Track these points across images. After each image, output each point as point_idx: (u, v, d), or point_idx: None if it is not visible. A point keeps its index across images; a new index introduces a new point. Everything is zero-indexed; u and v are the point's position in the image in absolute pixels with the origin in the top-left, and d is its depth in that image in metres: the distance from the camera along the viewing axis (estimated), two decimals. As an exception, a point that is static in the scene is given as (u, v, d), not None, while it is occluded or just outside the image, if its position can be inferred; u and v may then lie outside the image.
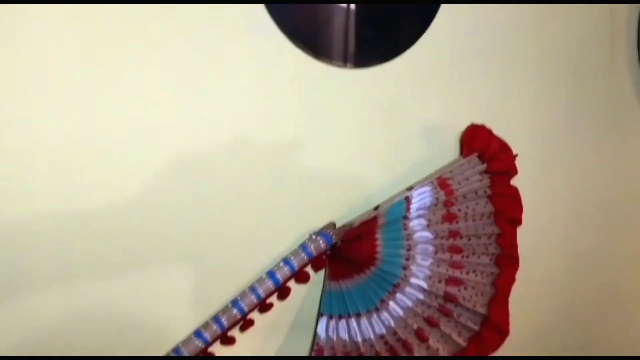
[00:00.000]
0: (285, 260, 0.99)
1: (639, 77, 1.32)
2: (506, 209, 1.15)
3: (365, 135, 1.05)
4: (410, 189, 1.05)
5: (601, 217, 1.35)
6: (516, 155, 1.09)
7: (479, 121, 1.10)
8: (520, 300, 1.29)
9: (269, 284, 0.98)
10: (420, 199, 1.07)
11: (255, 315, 0.99)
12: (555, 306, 1.36)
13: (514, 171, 1.11)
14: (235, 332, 0.98)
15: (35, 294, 0.77)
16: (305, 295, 1.05)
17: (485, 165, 1.07)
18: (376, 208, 1.04)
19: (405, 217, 1.07)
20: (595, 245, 1.37)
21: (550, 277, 1.33)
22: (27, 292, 0.76)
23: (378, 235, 1.05)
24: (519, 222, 1.17)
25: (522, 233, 1.13)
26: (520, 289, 1.18)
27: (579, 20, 1.23)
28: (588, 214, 1.33)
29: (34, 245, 0.75)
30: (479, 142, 1.06)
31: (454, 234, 1.11)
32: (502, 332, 1.10)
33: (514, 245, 1.17)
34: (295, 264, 0.99)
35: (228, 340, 0.98)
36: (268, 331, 1.03)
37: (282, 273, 0.99)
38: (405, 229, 1.08)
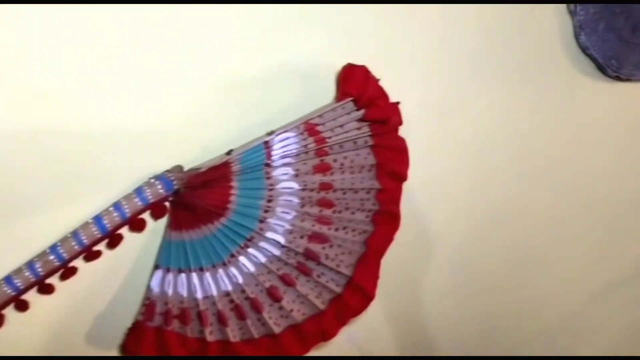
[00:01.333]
0: (116, 205, 0.89)
1: (564, 18, 1.20)
2: (389, 162, 1.06)
3: (228, 65, 0.92)
4: (270, 133, 0.95)
5: (514, 171, 1.27)
6: (398, 103, 0.98)
7: (367, 59, 0.98)
8: (412, 261, 1.23)
9: (94, 230, 0.88)
10: (284, 145, 0.97)
11: (80, 263, 0.89)
12: (453, 268, 1.30)
13: (395, 121, 1.00)
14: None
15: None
16: (144, 245, 0.96)
17: (362, 111, 0.96)
18: (229, 153, 0.93)
19: (268, 165, 0.96)
20: (505, 201, 1.30)
21: (448, 234, 1.27)
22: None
23: (234, 184, 0.95)
24: (404, 177, 1.08)
25: (414, 186, 1.04)
26: (410, 248, 1.11)
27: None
28: (498, 167, 1.25)
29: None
30: (354, 85, 0.95)
31: (326, 186, 1.01)
32: (366, 295, 1.04)
33: (395, 202, 1.09)
34: (128, 209, 0.89)
35: (45, 289, 0.89)
36: (97, 281, 0.94)
37: (111, 219, 0.88)
38: (267, 178, 0.98)
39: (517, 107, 1.24)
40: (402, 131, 1.04)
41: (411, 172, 1.04)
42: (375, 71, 0.98)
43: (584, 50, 1.26)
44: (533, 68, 1.22)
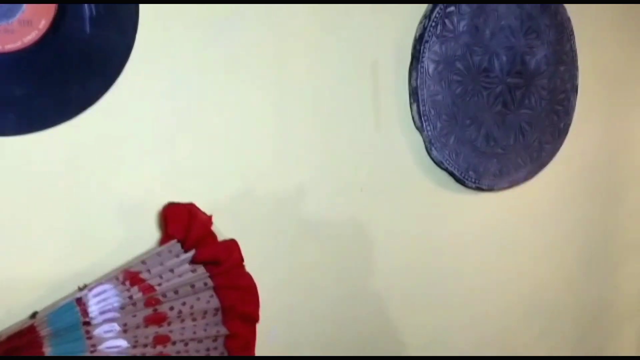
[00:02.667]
0: None
1: (413, 136, 1.20)
2: (237, 303, 0.98)
3: (29, 215, 0.83)
4: (82, 288, 0.84)
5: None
6: (233, 240, 0.91)
7: (196, 195, 0.91)
8: None
9: None
10: (102, 299, 0.86)
11: None
12: None
13: (235, 258, 0.93)
14: None
15: None
16: None
17: (191, 253, 0.88)
18: (33, 315, 0.82)
19: (87, 323, 0.85)
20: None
21: None
22: None
23: (47, 349, 0.83)
24: (256, 319, 0.99)
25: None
26: None
27: (334, 79, 1.10)
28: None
29: None
30: (178, 225, 0.88)
31: (162, 340, 0.91)
32: None
33: (248, 348, 1.00)
34: None
35: None
36: None
37: None
38: (89, 338, 0.86)
39: (375, 225, 1.21)
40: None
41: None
42: (205, 207, 0.93)
43: (439, 164, 1.26)
44: (387, 186, 1.20)
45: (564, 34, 1.40)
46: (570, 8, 1.36)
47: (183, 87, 0.94)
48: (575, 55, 1.43)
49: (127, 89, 0.88)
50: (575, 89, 1.44)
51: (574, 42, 1.42)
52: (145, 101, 0.90)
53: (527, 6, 1.32)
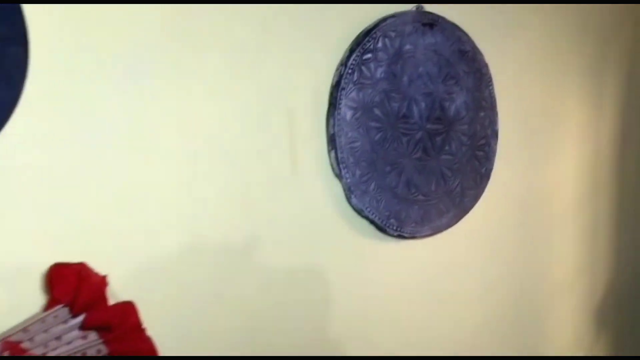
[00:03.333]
0: None
1: (332, 184, 1.18)
2: (136, 369, 0.90)
3: None
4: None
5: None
6: (130, 302, 0.84)
7: (79, 256, 0.84)
8: None
9: None
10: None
11: None
12: None
13: (132, 322, 0.86)
14: None
15: None
16: None
17: (80, 318, 0.81)
18: None
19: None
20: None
21: None
22: None
23: None
24: (158, 384, 0.92)
25: None
26: None
27: (249, 127, 1.06)
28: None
29: None
30: (65, 289, 0.81)
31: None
32: None
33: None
34: None
35: None
36: None
37: None
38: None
39: (293, 277, 1.17)
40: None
41: None
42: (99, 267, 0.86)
43: (359, 212, 1.23)
44: (305, 236, 1.17)
45: (482, 80, 1.42)
46: (488, 54, 1.39)
47: (76, 140, 0.88)
48: (494, 101, 1.45)
49: (11, 143, 0.81)
50: (495, 134, 1.46)
51: (492, 88, 1.44)
52: (31, 154, 0.84)
53: (446, 53, 1.33)
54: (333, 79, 1.19)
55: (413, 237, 1.32)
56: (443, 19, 1.32)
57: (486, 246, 1.50)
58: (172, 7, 0.97)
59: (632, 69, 1.83)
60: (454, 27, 1.35)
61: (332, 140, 1.19)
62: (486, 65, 1.42)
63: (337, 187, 1.20)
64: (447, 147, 1.37)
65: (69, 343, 0.83)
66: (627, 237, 1.89)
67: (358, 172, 1.22)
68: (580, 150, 1.71)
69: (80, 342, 0.84)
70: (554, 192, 1.67)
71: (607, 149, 1.79)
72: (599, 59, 1.72)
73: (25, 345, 0.81)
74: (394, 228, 1.28)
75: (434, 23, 1.31)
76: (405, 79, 1.28)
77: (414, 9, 1.31)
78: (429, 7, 1.32)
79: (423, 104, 1.32)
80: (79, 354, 0.85)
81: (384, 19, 1.24)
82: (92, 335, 0.85)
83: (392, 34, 1.25)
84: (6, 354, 0.80)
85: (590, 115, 1.72)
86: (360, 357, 1.29)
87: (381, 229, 1.27)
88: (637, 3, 1.81)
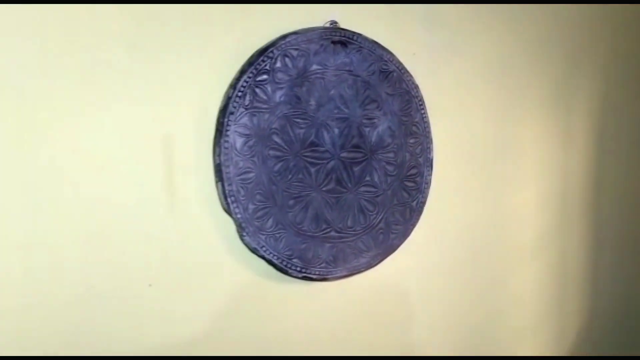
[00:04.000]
0: None
1: (222, 220, 1.06)
2: None
3: None
4: None
5: None
6: None
7: None
8: None
9: None
10: None
11: None
12: None
13: None
14: None
15: None
16: None
17: None
18: None
19: None
20: None
21: None
22: None
23: None
24: None
25: None
26: None
27: (117, 156, 0.97)
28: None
29: None
30: None
31: None
32: None
33: None
34: None
35: None
36: None
37: None
38: None
39: (172, 326, 1.05)
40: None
41: None
42: None
43: (254, 252, 1.11)
44: (186, 279, 1.05)
45: (411, 103, 1.29)
46: (420, 75, 1.26)
47: None
48: (428, 126, 1.31)
49: None
50: (429, 163, 1.32)
51: (425, 112, 1.31)
52: None
53: (363, 74, 1.21)
54: (221, 103, 1.07)
55: (324, 279, 1.19)
56: (360, 36, 1.20)
57: (419, 289, 1.35)
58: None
59: (608, 89, 1.67)
60: (374, 45, 1.22)
61: (218, 171, 1.07)
62: (416, 87, 1.29)
63: (229, 224, 1.08)
64: (367, 178, 1.24)
65: None
66: (604, 275, 1.71)
67: (251, 207, 1.10)
68: (544, 181, 1.55)
69: None
70: (511, 227, 1.51)
71: (578, 179, 1.63)
72: (566, 78, 1.57)
73: None
74: (298, 269, 1.15)
75: (347, 41, 1.18)
76: (312, 102, 1.16)
77: (328, 24, 1.19)
78: (345, 24, 1.19)
79: (336, 130, 1.19)
80: None
81: (284, 37, 1.12)
82: None
83: (294, 53, 1.13)
84: None
85: (556, 142, 1.57)
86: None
87: (282, 270, 1.14)
88: (611, 2, 1.63)
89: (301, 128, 1.15)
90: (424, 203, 1.32)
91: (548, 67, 1.54)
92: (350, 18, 1.20)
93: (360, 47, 1.21)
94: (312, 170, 1.17)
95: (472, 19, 1.40)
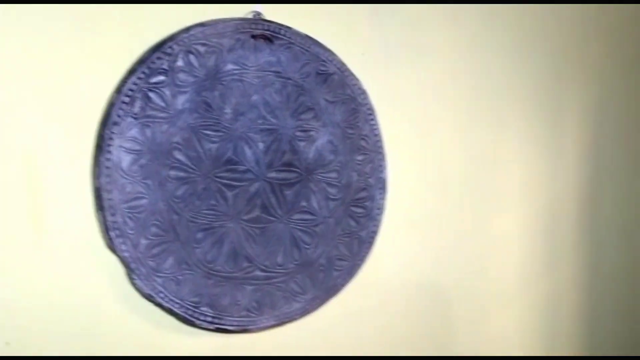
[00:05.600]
0: None
1: (106, 259, 0.86)
2: None
3: None
4: None
5: None
6: None
7: None
8: None
9: None
10: None
11: None
12: None
13: None
14: None
15: None
16: None
17: None
18: None
19: None
20: None
21: None
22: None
23: None
24: None
25: None
26: None
27: None
28: None
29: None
30: None
31: None
32: None
33: None
34: None
35: None
36: None
37: None
38: None
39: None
40: None
41: None
42: None
43: (148, 298, 0.89)
44: (60, 332, 0.84)
45: (358, 112, 1.08)
46: (368, 78, 1.06)
47: None
48: (380, 140, 1.10)
49: None
50: (382, 185, 1.11)
51: (375, 123, 1.10)
52: None
53: (295, 76, 1.01)
54: (102, 112, 0.86)
55: (245, 331, 0.97)
56: (289, 30, 1.00)
57: (370, 340, 1.12)
58: None
59: (602, 93, 1.45)
60: (309, 42, 1.02)
61: (98, 197, 0.86)
62: (364, 93, 1.08)
63: (114, 264, 0.86)
64: (303, 203, 1.03)
65: None
66: (603, 315, 1.48)
67: (144, 242, 0.89)
68: (529, 204, 1.33)
69: None
70: (487, 262, 1.29)
71: (570, 200, 1.41)
72: (554, 81, 1.35)
73: None
74: (209, 319, 0.94)
75: (272, 36, 0.98)
76: (228, 110, 0.96)
77: (251, 15, 0.98)
78: (273, 15, 0.99)
79: (261, 145, 0.99)
80: None
81: (187, 29, 0.91)
82: None
83: (201, 49, 0.92)
84: None
85: (543, 156, 1.35)
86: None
87: (186, 321, 0.91)
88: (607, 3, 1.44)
89: (213, 142, 0.94)
90: (375, 233, 1.11)
91: (533, 69, 1.33)
92: (279, 9, 1.00)
93: (290, 43, 1.01)
94: (229, 194, 0.96)
95: (438, 14, 1.19)
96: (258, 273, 0.99)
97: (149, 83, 0.90)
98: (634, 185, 1.55)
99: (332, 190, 1.07)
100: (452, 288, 1.23)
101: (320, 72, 1.05)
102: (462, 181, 1.24)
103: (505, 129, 1.30)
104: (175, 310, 0.92)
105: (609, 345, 1.53)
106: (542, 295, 1.38)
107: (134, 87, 0.88)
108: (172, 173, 0.92)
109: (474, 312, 1.27)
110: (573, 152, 1.42)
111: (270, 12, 1.00)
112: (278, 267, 1.01)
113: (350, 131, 1.08)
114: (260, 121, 0.99)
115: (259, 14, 1.00)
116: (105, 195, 0.86)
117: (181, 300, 0.92)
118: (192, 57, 0.93)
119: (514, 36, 1.31)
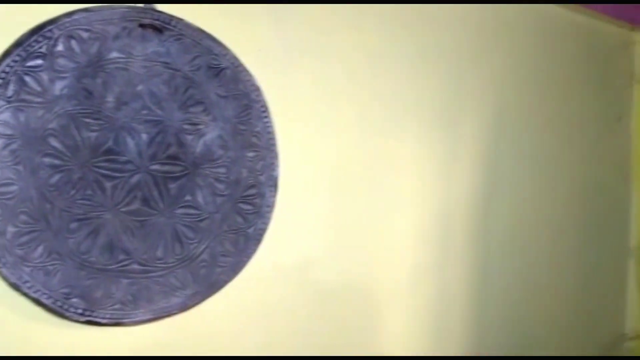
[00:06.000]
0: None
1: None
2: None
3: None
4: None
5: None
6: None
7: None
8: None
9: None
10: None
11: None
12: None
13: None
14: None
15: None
16: None
17: None
18: None
19: None
20: None
21: None
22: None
23: None
24: None
25: None
26: None
27: None
28: None
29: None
30: None
31: None
32: None
33: None
34: None
35: None
36: None
37: None
38: None
39: None
40: None
41: None
42: None
43: (15, 288, 0.87)
44: None
45: (250, 108, 1.09)
46: (263, 74, 1.07)
47: None
48: (273, 138, 1.11)
49: None
50: (273, 182, 1.12)
51: (268, 120, 1.10)
52: None
53: (185, 68, 1.00)
54: (-27, 93, 0.83)
55: (118, 324, 0.95)
56: (181, 22, 0.99)
57: (251, 339, 1.13)
58: None
59: (502, 100, 1.51)
60: (201, 35, 1.02)
61: (-35, 182, 0.82)
62: (257, 90, 1.09)
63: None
64: (187, 197, 1.03)
65: None
66: (491, 313, 1.53)
67: (11, 230, 0.87)
68: (424, 207, 1.37)
69: None
70: (380, 262, 1.32)
71: (464, 205, 1.45)
72: (454, 87, 1.39)
73: None
74: (80, 311, 0.92)
75: (162, 26, 0.97)
76: (110, 99, 0.94)
77: (142, 4, 0.97)
78: (165, 6, 0.97)
79: (144, 136, 0.97)
80: None
81: (70, 14, 0.90)
82: None
83: (84, 35, 0.91)
84: None
85: (441, 163, 1.39)
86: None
87: (55, 311, 0.89)
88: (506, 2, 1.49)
89: (93, 130, 0.93)
90: (264, 230, 1.12)
91: (432, 76, 1.37)
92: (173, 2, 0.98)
93: (181, 34, 1.00)
94: (108, 185, 0.95)
95: (340, 17, 1.21)
96: (135, 266, 0.99)
97: (25, 66, 0.88)
98: (526, 191, 1.61)
99: (220, 186, 1.07)
100: (342, 287, 1.25)
101: (212, 66, 1.05)
102: (356, 182, 1.26)
103: (402, 133, 1.33)
104: (43, 300, 0.90)
105: (497, 345, 1.59)
106: (432, 296, 1.42)
107: (7, 69, 0.86)
108: (46, 160, 0.90)
109: (364, 312, 1.30)
110: (467, 157, 1.47)
111: (164, 4, 0.98)
112: (157, 261, 1.01)
113: (241, 127, 1.09)
114: (145, 112, 0.98)
115: (150, 3, 0.99)
116: (-31, 180, 0.83)
117: (50, 290, 0.90)
118: (73, 42, 0.91)
119: (415, 42, 1.34)
